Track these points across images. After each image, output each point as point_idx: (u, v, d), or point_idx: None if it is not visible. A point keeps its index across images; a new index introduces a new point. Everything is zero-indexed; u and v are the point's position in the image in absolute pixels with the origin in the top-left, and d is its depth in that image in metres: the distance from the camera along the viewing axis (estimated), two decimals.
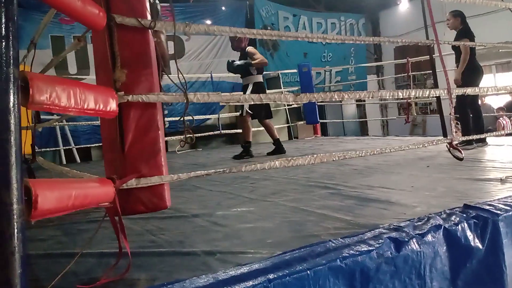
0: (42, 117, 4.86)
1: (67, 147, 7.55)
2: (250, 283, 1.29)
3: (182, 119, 1.74)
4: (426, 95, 2.87)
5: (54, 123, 6.25)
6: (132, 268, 1.44)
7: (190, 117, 1.78)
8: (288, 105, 8.99)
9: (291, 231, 1.88)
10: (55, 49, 7.65)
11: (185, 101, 1.69)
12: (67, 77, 5.49)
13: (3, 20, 0.93)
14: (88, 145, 7.71)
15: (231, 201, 2.65)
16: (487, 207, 1.89)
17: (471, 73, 4.90)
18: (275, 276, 1.33)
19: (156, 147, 1.65)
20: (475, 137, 3.98)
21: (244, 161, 5.15)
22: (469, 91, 2.90)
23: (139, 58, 1.66)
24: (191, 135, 1.74)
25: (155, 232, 1.99)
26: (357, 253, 1.50)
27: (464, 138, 3.78)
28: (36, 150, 3.61)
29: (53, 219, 2.18)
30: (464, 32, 4.93)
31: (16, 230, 0.93)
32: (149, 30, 1.68)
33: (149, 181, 1.59)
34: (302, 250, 1.51)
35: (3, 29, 0.93)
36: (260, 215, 2.23)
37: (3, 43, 0.93)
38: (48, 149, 7.26)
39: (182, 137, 1.81)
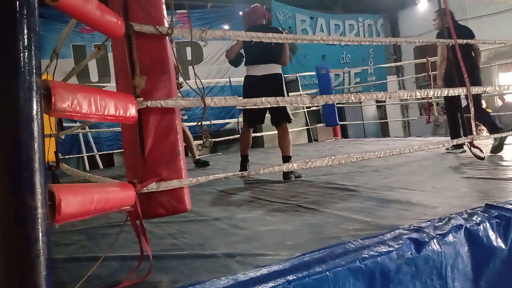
0: (65, 124, 4.96)
1: (90, 154, 7.67)
2: (270, 284, 1.30)
3: (199, 123, 1.77)
4: (445, 95, 2.85)
5: (77, 131, 6.35)
6: (153, 270, 1.47)
7: (208, 122, 1.81)
8: (307, 108, 8.98)
9: (310, 233, 1.89)
10: (76, 57, 7.80)
11: (203, 106, 1.72)
12: (89, 85, 5.60)
13: (25, 31, 0.96)
14: (111, 151, 7.82)
15: (251, 204, 2.66)
16: (510, 207, 1.86)
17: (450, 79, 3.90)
18: (295, 277, 1.33)
19: (175, 151, 1.67)
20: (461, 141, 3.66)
21: (261, 164, 5.13)
22: (489, 89, 2.87)
23: (157, 64, 1.70)
24: (209, 139, 1.76)
25: (176, 236, 2.01)
26: (377, 254, 1.49)
27: (486, 137, 3.72)
28: (60, 157, 3.69)
29: (77, 224, 2.24)
30: (443, 34, 4.02)
31: (40, 234, 0.95)
32: (167, 37, 1.71)
33: (169, 184, 1.62)
34: (321, 251, 1.51)
35: (26, 40, 0.96)
36: (280, 217, 2.24)
37: (26, 53, 0.96)
38: (71, 156, 7.40)
39: (201, 141, 1.83)
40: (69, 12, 1.32)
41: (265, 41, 2.02)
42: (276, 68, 3.93)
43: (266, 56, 3.88)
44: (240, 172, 1.90)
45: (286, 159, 3.85)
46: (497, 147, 3.93)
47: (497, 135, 3.64)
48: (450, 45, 3.36)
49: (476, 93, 3.19)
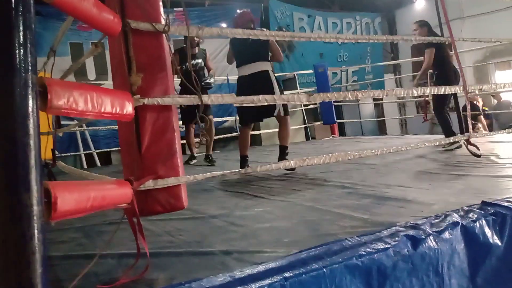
0: (62, 122, 4.94)
1: (87, 152, 7.66)
2: (267, 281, 1.30)
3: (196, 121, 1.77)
4: (442, 93, 2.86)
5: (74, 128, 6.34)
6: (150, 268, 1.47)
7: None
8: (304, 106, 8.98)
9: (307, 230, 1.89)
10: (74, 55, 7.78)
11: (200, 103, 1.72)
12: (86, 83, 5.58)
13: (21, 28, 0.96)
14: (108, 149, 7.81)
15: (248, 201, 2.67)
16: (506, 204, 1.86)
17: (445, 79, 4.38)
18: (292, 274, 1.33)
19: (172, 148, 1.67)
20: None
21: (259, 162, 5.13)
22: (486, 87, 2.88)
23: (154, 62, 1.69)
24: (206, 137, 1.76)
25: (173, 233, 2.01)
26: (374, 251, 1.50)
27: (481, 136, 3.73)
28: (57, 155, 3.68)
29: (74, 222, 2.23)
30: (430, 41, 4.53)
31: (36, 231, 0.95)
32: (163, 34, 1.71)
33: (166, 182, 1.62)
34: (318, 248, 1.51)
35: (21, 37, 0.96)
36: (277, 215, 2.24)
37: (22, 50, 0.96)
38: (69, 154, 7.38)
39: (198, 139, 1.83)
40: (65, 10, 1.32)
41: (262, 38, 2.02)
42: (263, 66, 4.05)
43: (252, 55, 4.05)
44: (237, 170, 1.91)
45: (283, 148, 4.13)
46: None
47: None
48: (447, 42, 3.37)
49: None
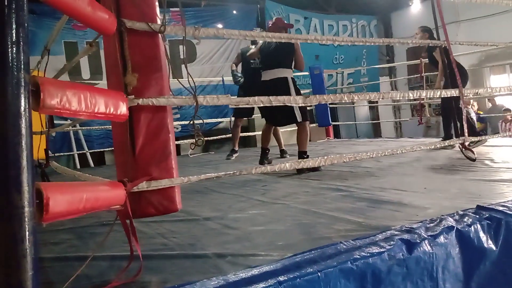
0: (56, 122, 4.91)
1: (81, 152, 7.62)
2: (261, 285, 1.29)
3: (191, 122, 1.75)
4: (437, 96, 2.86)
5: (68, 128, 6.31)
6: (143, 270, 1.45)
7: (200, 120, 1.79)
8: None
9: (302, 233, 1.88)
10: (68, 54, 7.74)
11: (195, 104, 1.70)
12: (80, 82, 5.56)
13: (14, 26, 0.94)
14: (102, 150, 7.77)
15: (242, 204, 2.65)
16: (501, 208, 1.86)
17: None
18: (286, 278, 1.32)
19: (166, 150, 1.66)
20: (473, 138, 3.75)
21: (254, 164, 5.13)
22: (481, 91, 2.88)
23: (150, 62, 1.68)
24: (201, 138, 1.75)
25: (167, 235, 2.00)
26: (368, 255, 1.49)
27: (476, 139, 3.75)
28: (50, 155, 3.66)
29: (66, 223, 2.21)
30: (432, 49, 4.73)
31: (27, 233, 0.94)
32: (159, 34, 1.70)
33: (160, 184, 1.60)
34: (312, 252, 1.50)
35: (14, 35, 0.94)
36: (271, 217, 2.23)
37: (14, 49, 0.94)
38: (62, 154, 7.34)
39: (193, 140, 1.82)
40: (59, 8, 1.30)
41: (259, 40, 2.02)
42: (283, 72, 4.26)
43: (275, 61, 4.28)
44: (231, 172, 1.89)
45: (301, 154, 4.19)
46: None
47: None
48: (443, 46, 3.38)
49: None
